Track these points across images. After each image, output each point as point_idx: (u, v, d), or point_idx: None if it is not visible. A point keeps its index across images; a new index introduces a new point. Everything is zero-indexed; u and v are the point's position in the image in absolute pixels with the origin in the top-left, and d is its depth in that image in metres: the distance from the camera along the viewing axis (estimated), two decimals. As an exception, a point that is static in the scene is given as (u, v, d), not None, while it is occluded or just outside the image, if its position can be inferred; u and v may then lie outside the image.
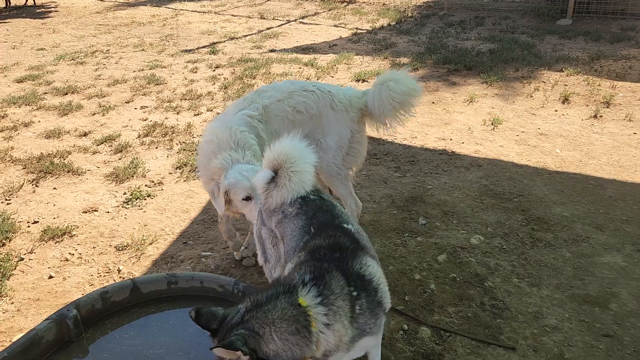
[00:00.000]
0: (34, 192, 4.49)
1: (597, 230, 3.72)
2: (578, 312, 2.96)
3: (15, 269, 3.45)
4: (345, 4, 13.74)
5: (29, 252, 3.65)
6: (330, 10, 12.99)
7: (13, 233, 3.85)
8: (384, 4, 13.47)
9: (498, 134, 5.44)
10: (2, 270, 3.37)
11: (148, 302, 2.62)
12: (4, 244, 3.72)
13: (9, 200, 4.36)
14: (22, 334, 2.30)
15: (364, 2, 13.83)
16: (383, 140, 5.36)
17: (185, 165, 4.85)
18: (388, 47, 9.07)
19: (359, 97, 3.37)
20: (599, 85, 6.66)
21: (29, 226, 3.98)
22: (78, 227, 3.95)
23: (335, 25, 11.25)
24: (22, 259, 3.56)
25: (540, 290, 3.14)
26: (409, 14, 12.18)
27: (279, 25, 11.39)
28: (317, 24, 11.45)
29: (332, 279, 1.88)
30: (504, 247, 3.56)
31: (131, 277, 2.71)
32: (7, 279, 3.34)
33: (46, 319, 2.35)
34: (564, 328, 2.84)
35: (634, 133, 5.30)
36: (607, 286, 3.15)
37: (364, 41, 9.69)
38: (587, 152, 4.94)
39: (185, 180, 4.63)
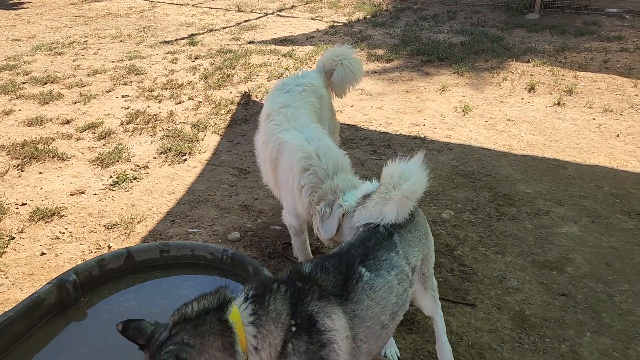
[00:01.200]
0: (19, 176, 4.59)
1: (557, 205, 4.03)
2: (538, 275, 3.25)
3: (7, 247, 3.58)
4: (321, -3, 13.90)
5: (20, 232, 3.77)
6: (307, 3, 13.14)
7: (2, 214, 3.96)
8: (359, -3, 13.69)
9: (468, 120, 5.73)
10: (-6, 247, 3.51)
11: (142, 270, 2.80)
12: (-6, 224, 3.84)
13: (-5, 185, 4.45)
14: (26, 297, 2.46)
15: (340, -4, 14.03)
16: (360, 126, 5.59)
17: (169, 150, 5.00)
18: (364, 40, 9.30)
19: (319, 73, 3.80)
20: (562, 75, 7.02)
21: (17, 208, 4.09)
22: (67, 208, 4.08)
23: (312, 18, 11.43)
24: (13, 238, 3.69)
25: (504, 257, 3.42)
26: (384, 8, 12.43)
27: (256, 18, 11.51)
28: (294, 17, 11.61)
29: (272, 301, 1.73)
30: (472, 220, 3.84)
31: (126, 247, 2.88)
32: (0, 256, 3.47)
33: (47, 283, 2.51)
34: (525, 289, 3.13)
35: (593, 119, 5.65)
36: (564, 253, 3.46)
37: (340, 33, 9.90)
38: (550, 136, 5.26)
39: (169, 164, 4.79)
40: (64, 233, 3.76)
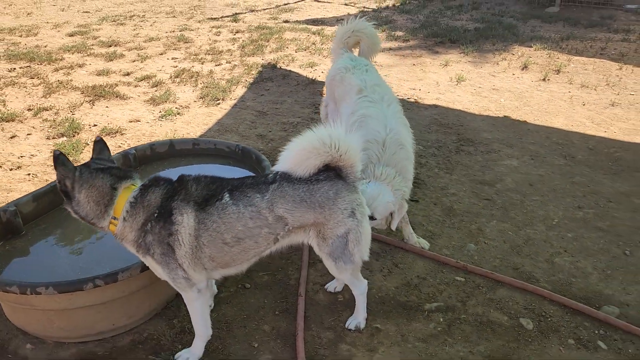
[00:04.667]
0: (91, 108, 5.90)
1: (508, 147, 4.99)
2: (472, 188, 4.26)
3: (84, 148, 4.86)
4: (358, -14, 14.90)
5: (93, 142, 5.04)
6: (344, -9, 14.20)
7: (79, 130, 5.26)
8: (393, -13, 14.62)
9: (459, 88, 6.69)
10: (76, 147, 4.79)
11: (180, 156, 3.97)
12: (74, 135, 5.13)
13: (73, 113, 5.77)
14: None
15: (376, -14, 14.98)
16: (365, 88, 6.64)
17: (206, 96, 6.22)
18: (387, 23, 10.29)
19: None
20: (557, 58, 7.83)
21: (90, 127, 5.38)
22: (126, 129, 5.34)
23: (345, 4, 12.49)
24: (88, 144, 4.97)
25: (451, 176, 4.44)
26: (415, -3, 13.34)
27: (295, 2, 12.66)
28: (329, 2, 12.70)
29: (151, 193, 2.33)
30: (435, 153, 4.86)
31: (169, 139, 4.06)
32: (80, 153, 4.75)
33: (117, 153, 3.72)
34: (459, 194, 4.15)
35: (569, 92, 6.50)
36: (499, 176, 4.44)
37: (367, 17, 10.67)
38: (525, 102, 6.17)
39: (206, 106, 6.00)
40: (125, 143, 5.01)
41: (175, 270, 2.35)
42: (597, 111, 5.87)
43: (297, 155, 2.41)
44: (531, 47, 8.41)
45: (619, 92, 6.40)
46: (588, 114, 5.79)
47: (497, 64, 7.67)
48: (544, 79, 6.96)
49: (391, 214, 3.10)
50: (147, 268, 2.53)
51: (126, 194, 2.33)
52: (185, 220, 2.29)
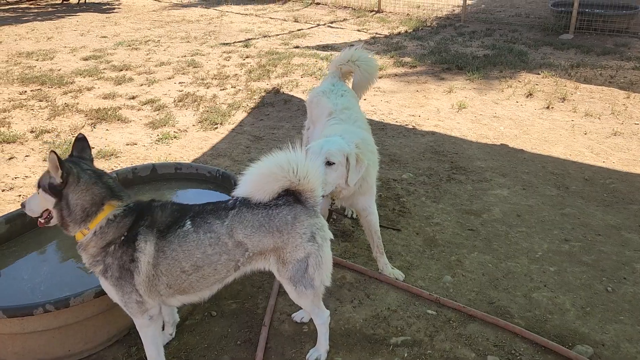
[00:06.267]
0: (92, 130, 6.02)
1: (500, 176, 4.89)
2: (458, 217, 4.17)
3: (77, 171, 4.95)
4: (373, 13, 15.06)
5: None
6: (358, 17, 14.35)
7: (76, 152, 5.36)
8: (407, 14, 14.72)
9: (460, 115, 6.62)
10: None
11: (162, 180, 4.00)
12: (70, 157, 5.23)
13: (74, 135, 5.88)
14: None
15: (391, 12, 15.11)
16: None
17: (206, 120, 6.29)
18: (397, 49, 10.33)
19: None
20: (565, 85, 7.71)
21: (87, 150, 5.48)
22: (122, 152, 5.43)
23: (358, 30, 12.60)
24: (82, 167, 5.06)
25: (438, 205, 4.36)
26: (428, 24, 13.38)
27: (308, 28, 12.83)
28: (342, 29, 12.83)
29: (126, 216, 2.33)
30: (426, 181, 4.78)
31: (152, 162, 4.11)
32: (72, 175, 4.83)
33: (98, 176, 3.77)
34: (443, 224, 4.06)
35: (572, 120, 6.37)
36: (487, 206, 4.34)
37: (379, 43, 10.98)
38: (525, 131, 6.07)
39: (204, 130, 6.06)
40: (118, 166, 5.09)
41: (129, 294, 2.34)
42: (598, 140, 5.73)
43: (255, 180, 2.42)
44: (539, 74, 8.31)
45: (623, 122, 6.24)
46: (588, 144, 5.65)
47: (502, 91, 7.58)
48: (547, 107, 6.85)
49: (347, 159, 2.96)
50: (102, 294, 2.53)
51: (108, 210, 2.33)
52: (148, 249, 2.31)
